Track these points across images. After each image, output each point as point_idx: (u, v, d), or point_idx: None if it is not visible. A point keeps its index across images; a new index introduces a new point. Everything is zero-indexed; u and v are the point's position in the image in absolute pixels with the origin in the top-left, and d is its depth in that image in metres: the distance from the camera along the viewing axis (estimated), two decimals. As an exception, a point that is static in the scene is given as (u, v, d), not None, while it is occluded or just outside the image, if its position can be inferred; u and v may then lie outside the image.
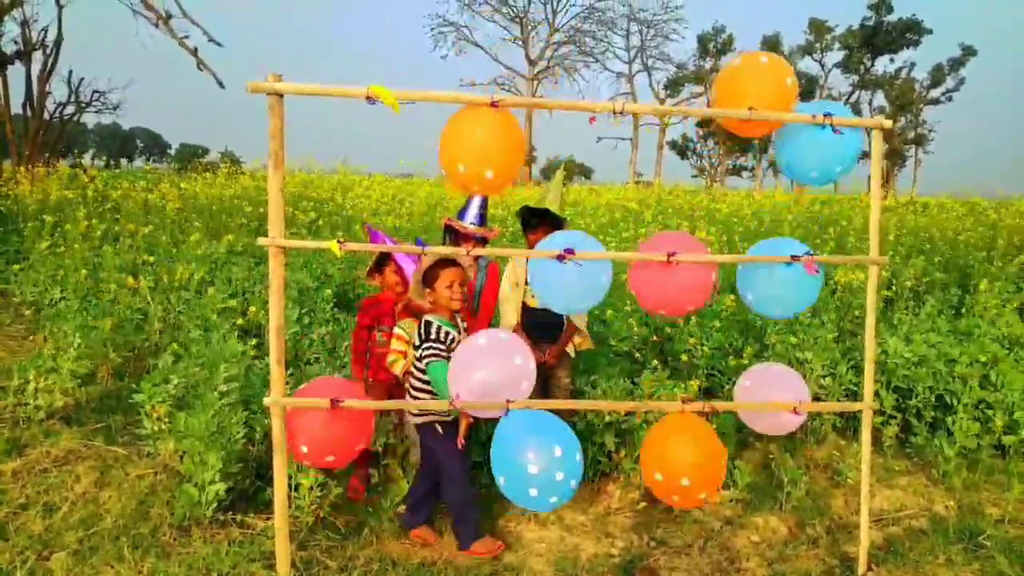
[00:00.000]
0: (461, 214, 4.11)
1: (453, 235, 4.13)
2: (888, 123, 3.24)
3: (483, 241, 4.11)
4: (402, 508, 3.74)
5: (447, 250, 3.28)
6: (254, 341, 4.96)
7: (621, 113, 3.01)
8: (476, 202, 4.10)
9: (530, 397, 4.05)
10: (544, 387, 4.13)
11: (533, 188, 19.73)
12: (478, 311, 4.18)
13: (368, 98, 2.80)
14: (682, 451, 2.97)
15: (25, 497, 3.68)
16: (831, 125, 3.03)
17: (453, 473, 3.51)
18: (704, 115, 3.15)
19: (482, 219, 4.09)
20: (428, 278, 3.41)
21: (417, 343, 3.39)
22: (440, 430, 3.47)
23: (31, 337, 6.34)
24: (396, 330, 3.80)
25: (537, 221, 4.01)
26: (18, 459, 4.04)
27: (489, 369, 2.86)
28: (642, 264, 3.08)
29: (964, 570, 3.46)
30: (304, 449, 2.99)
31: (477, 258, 4.16)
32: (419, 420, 3.51)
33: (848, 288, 6.46)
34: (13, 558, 3.14)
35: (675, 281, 3.01)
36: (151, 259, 7.14)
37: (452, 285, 3.38)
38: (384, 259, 3.98)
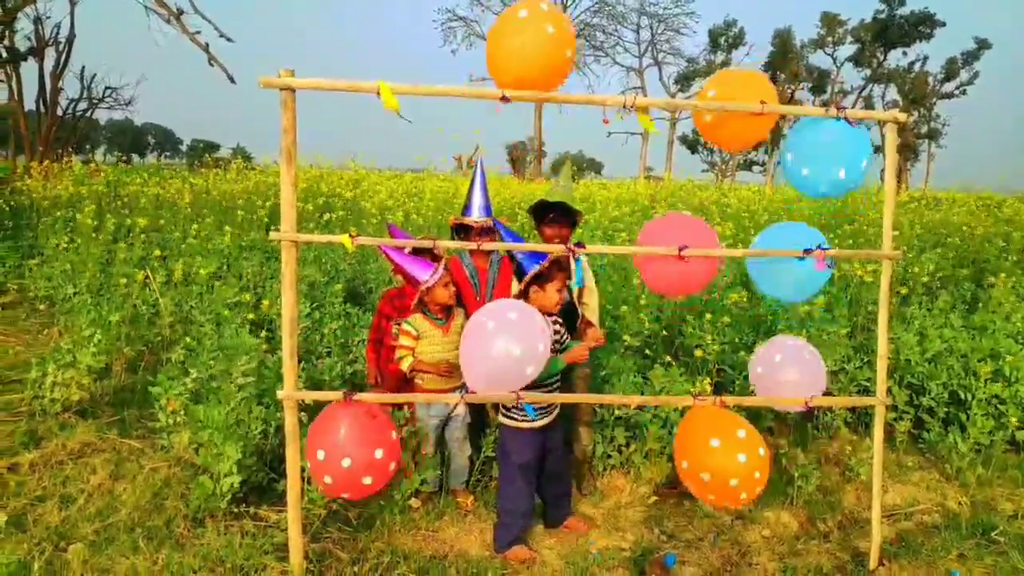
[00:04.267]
0: (466, 211, 4.11)
1: (464, 233, 4.13)
2: (903, 116, 3.21)
3: (492, 232, 4.11)
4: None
5: (458, 244, 3.29)
6: (265, 334, 4.98)
7: (633, 107, 3.00)
8: (478, 195, 4.10)
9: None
10: (562, 380, 4.14)
11: (543, 183, 19.67)
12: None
13: (379, 93, 2.81)
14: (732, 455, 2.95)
15: (42, 489, 3.73)
16: (845, 118, 3.01)
17: (502, 475, 3.60)
18: (716, 108, 3.13)
19: (488, 210, 4.10)
20: (543, 277, 3.43)
21: None
22: (508, 429, 3.55)
23: (46, 331, 6.40)
24: (404, 326, 3.81)
25: (553, 215, 4.01)
26: (35, 451, 4.09)
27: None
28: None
29: (977, 565, 3.45)
30: (320, 455, 2.89)
31: (489, 252, 4.16)
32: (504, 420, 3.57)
33: (861, 283, 6.42)
34: (31, 549, 3.18)
35: (681, 263, 3.04)
36: (163, 253, 7.19)
37: (561, 290, 3.45)
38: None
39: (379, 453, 2.88)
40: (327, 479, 2.89)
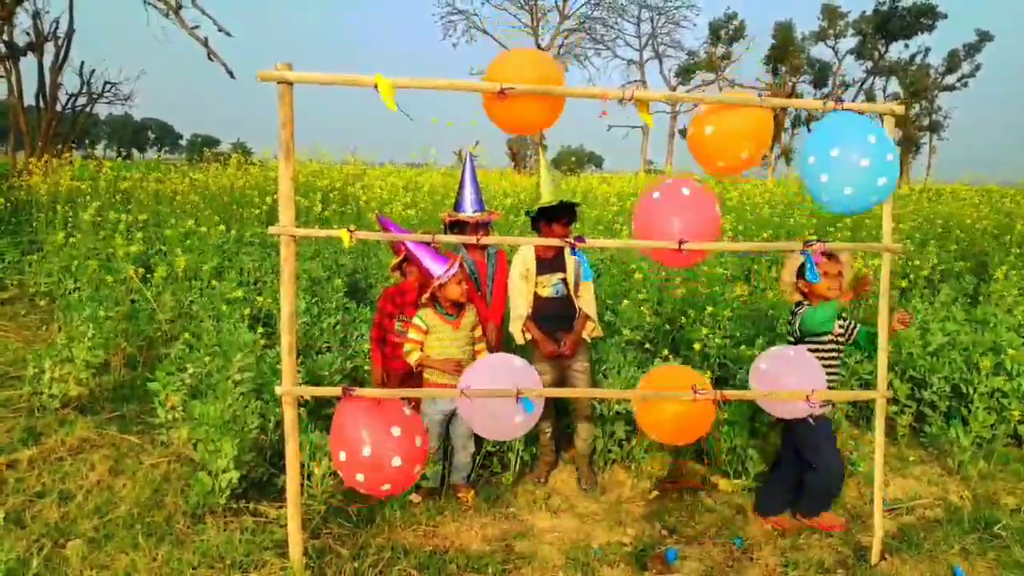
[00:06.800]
0: (459, 206, 4.08)
1: (458, 228, 4.11)
2: (900, 108, 3.20)
3: (487, 225, 4.11)
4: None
5: (455, 239, 3.27)
6: (261, 329, 4.97)
7: (632, 99, 2.98)
8: (469, 191, 4.09)
9: (548, 386, 4.06)
10: (562, 376, 4.11)
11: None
12: (491, 300, 4.17)
13: (376, 87, 2.78)
14: None
15: (41, 485, 3.72)
16: (841, 109, 2.99)
17: (825, 464, 3.57)
18: (716, 101, 3.11)
19: (480, 204, 4.09)
20: (801, 270, 3.49)
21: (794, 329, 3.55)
22: (812, 422, 3.48)
23: (45, 327, 6.39)
24: (415, 320, 3.79)
25: (566, 219, 3.95)
26: (34, 448, 4.08)
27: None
28: (648, 210, 3.11)
29: (979, 560, 3.44)
30: (360, 478, 2.90)
31: (485, 246, 4.15)
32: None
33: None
34: (30, 546, 3.17)
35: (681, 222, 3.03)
36: (164, 248, 7.17)
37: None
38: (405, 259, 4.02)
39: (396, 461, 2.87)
40: (359, 477, 2.88)
